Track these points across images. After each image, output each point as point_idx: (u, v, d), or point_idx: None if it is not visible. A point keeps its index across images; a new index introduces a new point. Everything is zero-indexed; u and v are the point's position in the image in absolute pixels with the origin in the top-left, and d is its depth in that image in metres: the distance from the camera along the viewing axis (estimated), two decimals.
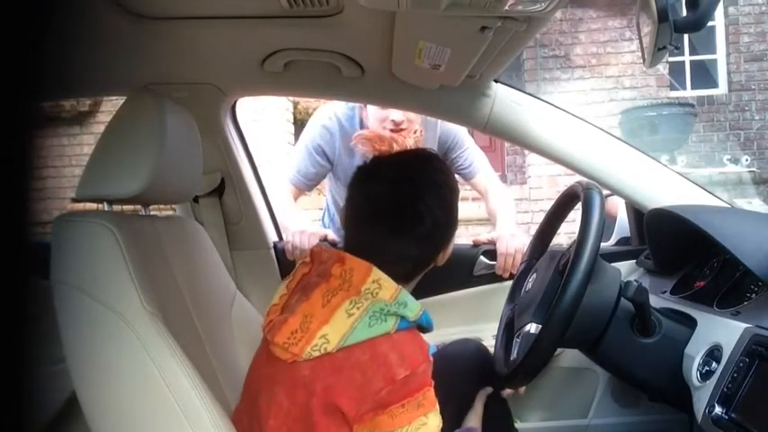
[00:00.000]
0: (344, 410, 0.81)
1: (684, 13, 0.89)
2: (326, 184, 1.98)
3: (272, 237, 1.67)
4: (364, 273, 0.85)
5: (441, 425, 0.85)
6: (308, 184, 1.83)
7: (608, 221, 1.55)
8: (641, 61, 1.04)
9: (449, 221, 0.94)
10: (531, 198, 5.16)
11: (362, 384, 0.80)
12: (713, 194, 1.39)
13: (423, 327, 0.91)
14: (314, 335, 0.82)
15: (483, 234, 1.64)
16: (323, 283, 0.87)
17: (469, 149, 1.89)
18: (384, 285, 0.85)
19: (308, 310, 0.85)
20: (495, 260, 1.62)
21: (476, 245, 1.63)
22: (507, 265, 1.57)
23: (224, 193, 1.57)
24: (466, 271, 1.64)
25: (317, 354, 0.81)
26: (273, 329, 0.87)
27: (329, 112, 1.79)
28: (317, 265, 0.92)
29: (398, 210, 0.90)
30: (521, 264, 1.37)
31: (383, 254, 0.89)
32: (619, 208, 1.76)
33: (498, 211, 1.78)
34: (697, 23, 0.88)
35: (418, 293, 0.94)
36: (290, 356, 0.84)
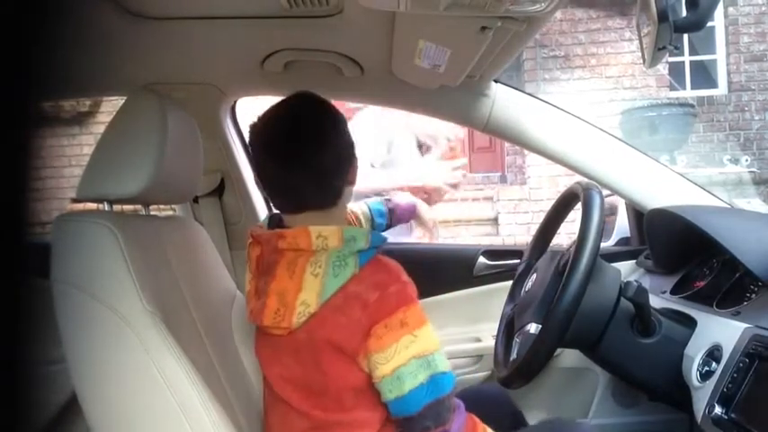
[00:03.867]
0: (344, 348, 0.87)
1: (684, 13, 0.89)
2: None
3: None
4: (306, 235, 0.88)
5: (437, 340, 0.89)
6: None
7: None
8: (641, 61, 1.04)
9: (342, 137, 0.95)
10: (531, 198, 5.16)
11: (347, 323, 0.86)
12: (713, 194, 1.39)
13: (381, 245, 0.92)
14: (293, 306, 0.87)
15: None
16: (280, 259, 0.91)
17: None
18: (328, 235, 0.88)
19: (279, 288, 0.89)
20: (496, 260, 1.63)
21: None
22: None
23: (224, 193, 1.57)
24: (466, 271, 1.64)
25: (304, 319, 0.87)
26: (257, 316, 0.92)
27: None
28: (265, 244, 0.94)
29: (295, 140, 0.91)
30: (520, 263, 1.37)
31: (302, 186, 0.91)
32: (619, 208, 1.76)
33: None
34: (697, 24, 0.88)
35: (419, 293, 0.93)
36: (283, 331, 0.89)
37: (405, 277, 0.90)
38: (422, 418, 0.88)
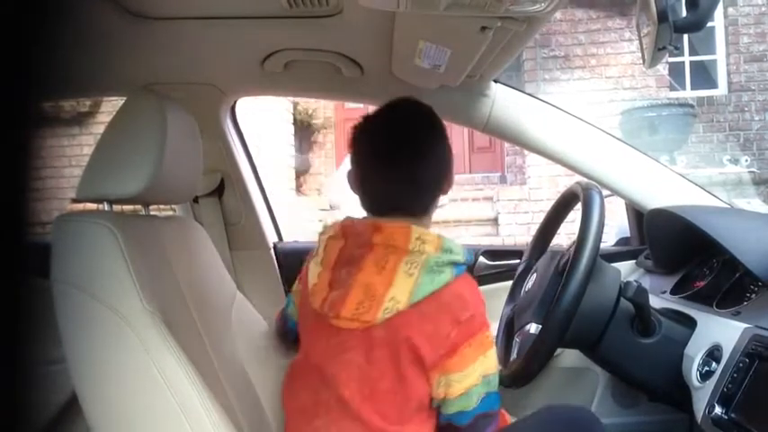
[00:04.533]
0: (424, 358, 0.87)
1: (684, 13, 0.89)
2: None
3: (272, 237, 1.67)
4: (405, 233, 0.89)
5: (497, 363, 0.93)
6: None
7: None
8: (641, 62, 1.04)
9: (442, 149, 0.98)
10: (531, 198, 5.16)
11: (433, 333, 0.87)
12: (713, 194, 1.39)
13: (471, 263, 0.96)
14: (382, 299, 0.87)
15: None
16: (368, 253, 0.91)
17: None
18: (427, 239, 0.89)
19: (366, 280, 0.89)
20: (496, 260, 1.63)
21: None
22: None
23: (224, 193, 1.57)
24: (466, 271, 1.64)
25: (389, 315, 0.87)
26: (335, 306, 0.90)
27: None
28: (353, 237, 0.94)
29: (397, 151, 0.94)
30: (520, 264, 1.37)
31: (399, 194, 0.94)
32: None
33: None
34: (697, 24, 0.88)
35: None
36: (361, 325, 0.88)
37: (483, 298, 0.94)
38: (467, 429, 0.92)
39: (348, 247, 0.94)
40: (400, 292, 0.87)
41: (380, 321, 0.87)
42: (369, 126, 0.97)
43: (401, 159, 0.93)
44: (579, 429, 1.00)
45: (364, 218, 0.96)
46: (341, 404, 0.90)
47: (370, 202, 0.97)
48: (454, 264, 0.90)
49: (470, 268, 0.96)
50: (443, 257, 0.89)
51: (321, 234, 1.00)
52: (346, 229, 0.96)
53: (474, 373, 0.89)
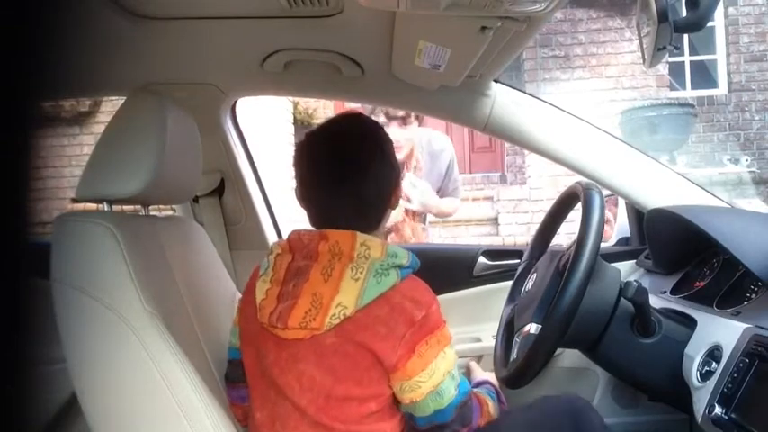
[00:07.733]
0: (383, 360, 0.87)
1: (684, 13, 0.89)
2: None
3: (272, 237, 1.67)
4: (351, 240, 0.90)
5: (456, 358, 0.95)
6: None
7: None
8: (641, 61, 1.04)
9: (386, 167, 0.97)
10: (531, 198, 5.16)
11: (387, 335, 0.87)
12: (713, 194, 1.39)
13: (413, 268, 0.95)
14: (329, 307, 0.87)
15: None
16: (314, 263, 0.91)
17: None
18: (371, 245, 0.90)
19: (313, 290, 0.89)
20: (496, 260, 1.63)
21: None
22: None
23: (224, 193, 1.57)
24: (466, 271, 1.64)
25: (336, 321, 0.86)
26: (282, 317, 0.89)
27: None
28: (299, 250, 0.94)
29: (340, 170, 0.94)
30: (520, 263, 1.37)
31: (344, 211, 0.93)
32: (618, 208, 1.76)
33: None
34: (697, 24, 0.88)
35: None
36: (308, 333, 0.88)
37: (435, 296, 0.94)
38: (453, 423, 0.94)
39: (295, 260, 0.94)
40: (347, 297, 0.87)
41: (329, 328, 0.87)
42: (312, 144, 0.97)
43: (345, 177, 0.93)
44: (577, 416, 1.01)
45: (311, 230, 0.96)
46: (299, 412, 0.90)
47: (316, 217, 0.97)
48: (399, 267, 0.90)
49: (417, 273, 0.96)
50: (388, 261, 0.89)
51: (269, 254, 0.99)
52: (293, 243, 0.95)
53: (438, 371, 0.90)
